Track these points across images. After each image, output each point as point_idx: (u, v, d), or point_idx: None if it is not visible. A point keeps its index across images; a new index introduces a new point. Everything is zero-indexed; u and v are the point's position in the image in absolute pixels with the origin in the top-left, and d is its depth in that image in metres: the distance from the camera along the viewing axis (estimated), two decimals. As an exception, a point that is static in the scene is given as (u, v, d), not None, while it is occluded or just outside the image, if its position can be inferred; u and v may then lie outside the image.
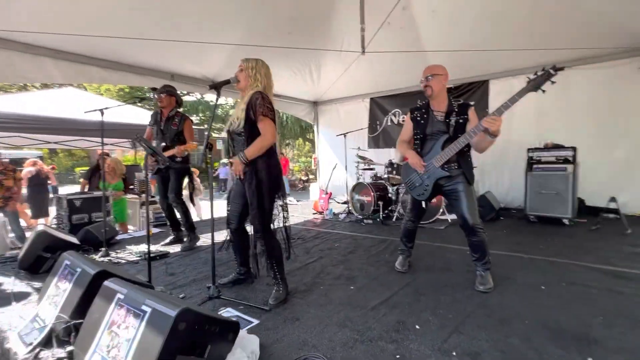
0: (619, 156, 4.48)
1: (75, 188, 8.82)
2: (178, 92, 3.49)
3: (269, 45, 4.01)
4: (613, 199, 4.14)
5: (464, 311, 1.88)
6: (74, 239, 3.14)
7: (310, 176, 16.58)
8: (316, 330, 1.72)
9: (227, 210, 2.25)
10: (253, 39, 3.94)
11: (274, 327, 1.77)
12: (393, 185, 4.90)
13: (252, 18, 3.72)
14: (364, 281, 2.42)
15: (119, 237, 4.02)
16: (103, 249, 3.19)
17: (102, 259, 3.07)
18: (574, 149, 4.14)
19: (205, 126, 13.73)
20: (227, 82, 2.01)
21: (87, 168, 7.91)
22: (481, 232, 2.20)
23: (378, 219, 4.68)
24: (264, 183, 1.97)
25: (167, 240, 3.59)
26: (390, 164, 4.99)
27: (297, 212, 5.90)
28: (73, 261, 1.84)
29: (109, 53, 4.01)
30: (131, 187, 5.82)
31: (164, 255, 3.19)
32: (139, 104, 5.25)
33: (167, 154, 3.06)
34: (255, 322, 1.81)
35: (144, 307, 1.23)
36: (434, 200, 3.88)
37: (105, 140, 3.67)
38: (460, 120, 2.18)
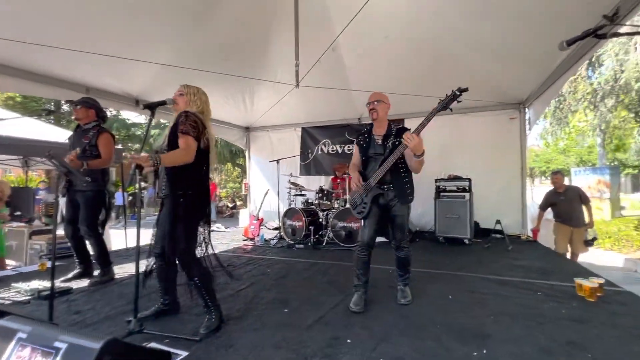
0: (500, 186, 5.54)
1: None
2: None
3: (201, 69, 3.99)
4: (498, 222, 5.06)
5: (389, 322, 2.08)
6: None
7: (238, 202, 16.05)
8: (252, 354, 1.70)
9: (152, 235, 2.09)
10: (184, 60, 3.88)
11: (206, 356, 1.68)
12: (323, 210, 5.13)
13: (184, 40, 3.69)
14: (297, 303, 2.46)
15: (-2, 274, 3.30)
16: (-22, 288, 2.59)
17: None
18: (469, 179, 4.98)
19: (120, 145, 12.40)
20: (163, 102, 1.97)
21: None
22: (407, 249, 2.44)
23: (309, 244, 4.80)
24: (189, 209, 1.94)
25: (70, 275, 3.06)
26: (321, 190, 5.25)
27: (226, 238, 5.66)
28: (-56, 301, 1.49)
29: (4, 55, 3.46)
30: (17, 213, 4.88)
31: (65, 292, 2.72)
32: (44, 119, 4.56)
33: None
34: (184, 354, 1.69)
35: (57, 344, 1.08)
36: (359, 225, 4.21)
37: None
38: (397, 143, 2.32)
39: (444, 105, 2.15)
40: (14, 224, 4.65)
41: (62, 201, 3.05)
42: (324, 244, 4.82)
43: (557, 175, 4.77)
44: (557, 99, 9.50)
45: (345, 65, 4.70)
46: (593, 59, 8.15)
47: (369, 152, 2.46)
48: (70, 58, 3.51)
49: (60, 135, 5.21)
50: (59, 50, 3.25)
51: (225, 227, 7.41)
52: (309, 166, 7.03)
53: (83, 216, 2.87)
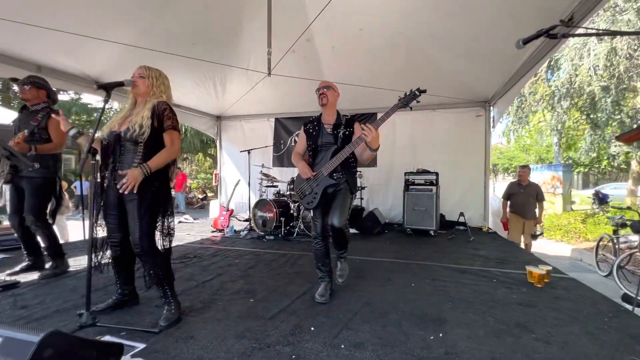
0: (465, 181, 5.80)
1: None
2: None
3: (169, 52, 3.80)
4: (462, 214, 5.31)
5: (352, 310, 2.13)
6: None
7: (209, 194, 15.66)
8: (213, 345, 1.67)
9: (104, 225, 1.97)
10: (150, 42, 3.67)
11: (164, 348, 1.63)
12: (295, 202, 5.11)
13: (150, 20, 3.49)
14: (264, 293, 2.45)
15: None
16: None
17: None
18: (436, 173, 5.16)
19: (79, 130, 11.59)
20: (120, 84, 1.85)
21: None
22: (344, 231, 2.28)
23: (280, 235, 4.78)
24: (156, 201, 1.90)
25: (18, 268, 2.84)
26: (292, 181, 5.22)
27: (194, 230, 5.50)
28: None
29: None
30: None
31: (11, 286, 2.52)
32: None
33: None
34: (142, 346, 1.63)
35: (-11, 338, 1.00)
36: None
37: None
38: (347, 132, 2.33)
39: (404, 104, 2.19)
40: (-46, 214, 4.24)
41: (8, 189, 2.81)
42: (294, 235, 4.82)
43: (525, 169, 5.06)
44: (518, 99, 10.05)
45: (320, 57, 4.66)
46: (552, 63, 8.67)
47: (318, 141, 2.39)
48: (20, 32, 3.21)
49: (8, 117, 4.78)
50: (6, 23, 2.95)
51: (194, 219, 7.21)
52: (282, 157, 6.96)
53: (29, 205, 2.64)
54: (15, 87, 2.81)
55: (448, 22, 3.57)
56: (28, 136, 2.57)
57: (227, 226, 5.21)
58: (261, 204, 5.04)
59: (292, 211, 5.09)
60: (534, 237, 4.86)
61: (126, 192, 1.77)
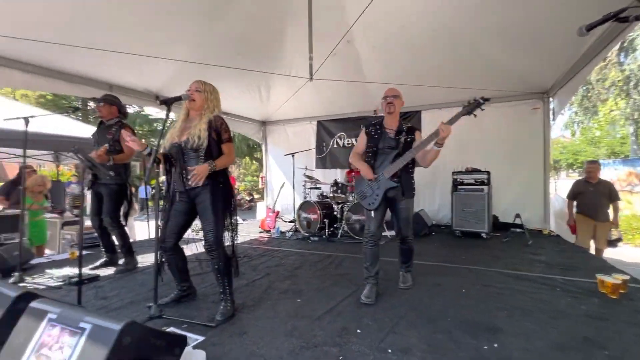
0: (521, 179, 5.36)
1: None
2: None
3: (217, 64, 4.07)
4: (518, 216, 4.90)
5: (399, 314, 2.10)
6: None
7: (256, 196, 16.36)
8: (263, 341, 1.77)
9: (162, 228, 2.17)
10: (201, 56, 3.97)
11: (220, 342, 1.76)
12: (338, 203, 5.15)
13: (201, 36, 3.78)
14: (310, 294, 2.52)
15: (34, 261, 3.54)
16: (16, 273, 2.80)
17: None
18: (488, 172, 4.84)
19: (144, 141, 12.87)
20: (178, 98, 2.04)
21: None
22: (410, 242, 2.61)
23: (324, 237, 4.85)
24: (224, 198, 2.09)
25: (98, 263, 3.27)
26: (336, 184, 5.26)
27: (243, 231, 5.80)
28: (-14, 285, 1.63)
29: (36, 57, 3.67)
30: (52, 205, 5.19)
31: (93, 279, 2.91)
32: (73, 116, 4.80)
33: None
34: (201, 338, 1.79)
35: (82, 324, 1.18)
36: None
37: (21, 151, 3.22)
38: (408, 139, 2.43)
39: (468, 112, 2.23)
40: (48, 215, 4.96)
41: (89, 194, 3.24)
42: (338, 236, 4.85)
43: (594, 164, 4.44)
44: (584, 87, 9.01)
45: (361, 58, 4.64)
46: (625, 44, 7.64)
47: (380, 144, 2.47)
48: (94, 56, 3.68)
49: (87, 131, 5.48)
50: (85, 50, 3.41)
51: (243, 220, 7.58)
52: (325, 159, 7.05)
53: (106, 208, 3.04)
54: (92, 104, 3.22)
55: (496, 9, 3.34)
56: (109, 147, 2.95)
57: (274, 227, 5.42)
58: (305, 205, 5.16)
59: (335, 213, 5.13)
60: (612, 243, 4.24)
61: (193, 184, 2.00)
